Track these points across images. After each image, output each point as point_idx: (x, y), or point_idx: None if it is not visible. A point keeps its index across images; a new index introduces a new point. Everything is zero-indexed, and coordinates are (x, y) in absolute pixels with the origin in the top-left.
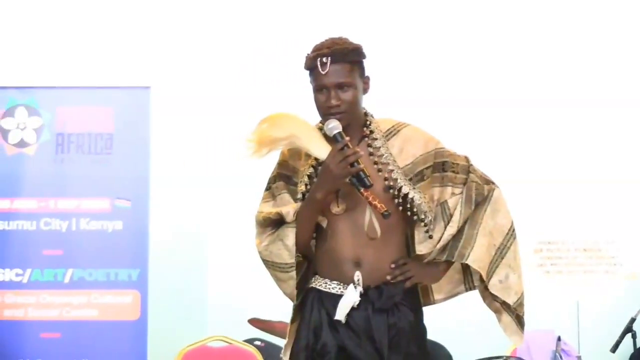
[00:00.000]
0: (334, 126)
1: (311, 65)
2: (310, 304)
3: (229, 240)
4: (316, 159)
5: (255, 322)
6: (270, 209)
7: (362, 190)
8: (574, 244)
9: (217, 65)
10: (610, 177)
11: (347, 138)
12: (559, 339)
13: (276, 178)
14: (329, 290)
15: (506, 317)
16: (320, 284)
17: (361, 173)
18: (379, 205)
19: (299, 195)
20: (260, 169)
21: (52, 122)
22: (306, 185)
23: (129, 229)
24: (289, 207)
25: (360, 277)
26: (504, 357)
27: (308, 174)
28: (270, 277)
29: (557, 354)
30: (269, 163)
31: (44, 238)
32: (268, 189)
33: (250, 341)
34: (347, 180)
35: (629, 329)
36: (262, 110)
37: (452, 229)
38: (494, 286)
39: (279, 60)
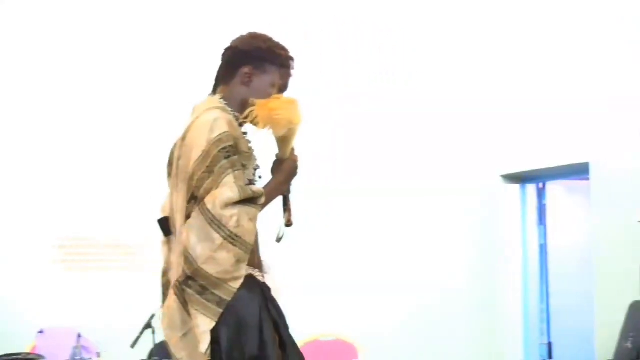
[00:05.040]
0: None
1: (287, 64)
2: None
3: None
4: (249, 146)
5: None
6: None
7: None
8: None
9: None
10: None
11: None
12: (79, 335)
13: (235, 150)
14: (255, 274)
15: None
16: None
17: None
18: (292, 214)
19: (249, 179)
20: None
21: None
22: (254, 171)
23: None
24: (260, 190)
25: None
26: (22, 355)
27: (256, 162)
28: (220, 255)
29: (77, 350)
30: None
31: None
32: (227, 157)
33: None
34: None
35: (148, 325)
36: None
37: None
38: None
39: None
